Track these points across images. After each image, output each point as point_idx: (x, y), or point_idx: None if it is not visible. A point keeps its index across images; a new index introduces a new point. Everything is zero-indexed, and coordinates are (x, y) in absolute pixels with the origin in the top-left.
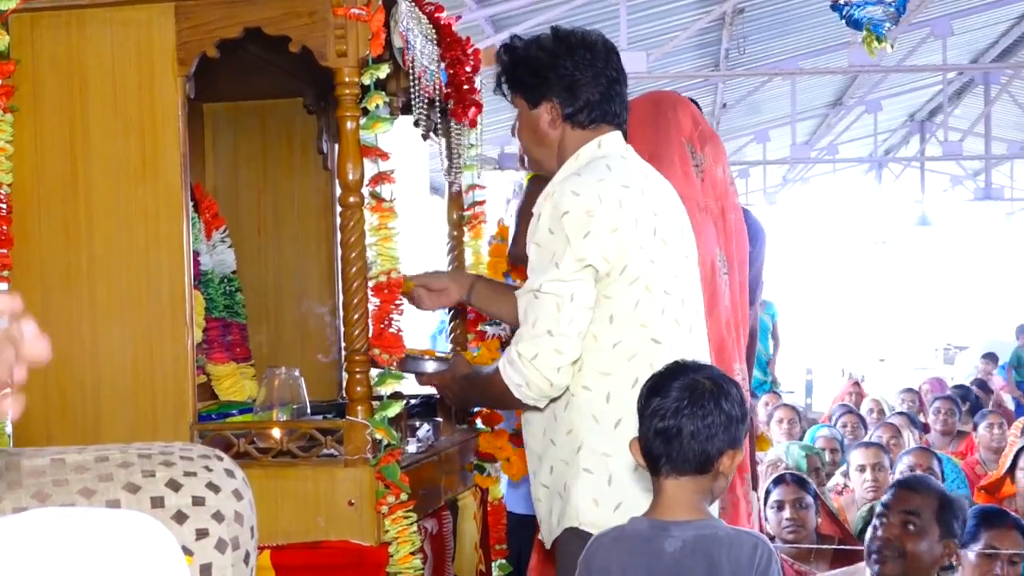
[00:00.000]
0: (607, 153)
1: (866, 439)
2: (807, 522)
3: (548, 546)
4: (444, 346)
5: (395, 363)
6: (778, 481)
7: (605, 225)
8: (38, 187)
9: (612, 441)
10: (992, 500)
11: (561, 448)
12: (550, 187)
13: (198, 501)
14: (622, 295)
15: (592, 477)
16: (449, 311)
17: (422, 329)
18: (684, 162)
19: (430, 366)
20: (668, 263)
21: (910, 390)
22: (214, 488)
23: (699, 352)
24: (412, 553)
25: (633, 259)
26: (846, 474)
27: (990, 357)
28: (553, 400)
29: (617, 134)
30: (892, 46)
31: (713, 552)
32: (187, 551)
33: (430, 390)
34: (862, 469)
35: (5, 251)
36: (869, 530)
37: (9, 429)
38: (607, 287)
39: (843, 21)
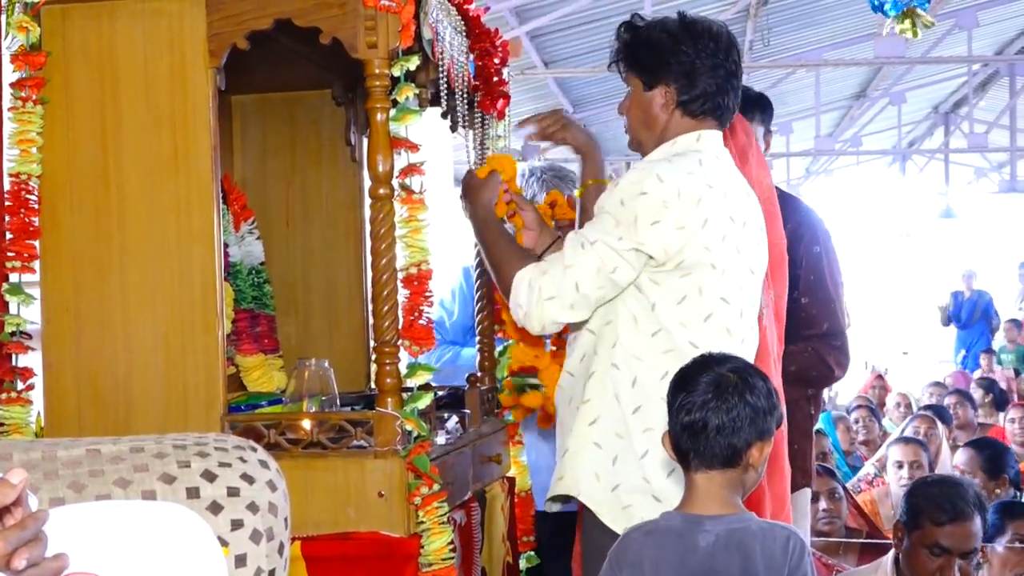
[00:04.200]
0: (703, 148)
1: (900, 430)
2: (841, 513)
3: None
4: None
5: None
6: None
7: (675, 220)
8: (69, 179)
9: (627, 425)
10: None
11: (580, 414)
12: (638, 164)
13: (233, 492)
14: (669, 285)
15: (600, 452)
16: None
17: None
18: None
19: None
20: (735, 272)
21: (938, 383)
22: (248, 479)
23: None
24: (445, 544)
25: (692, 258)
26: (881, 466)
27: (988, 351)
28: (585, 369)
29: (717, 134)
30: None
31: (747, 545)
32: (222, 542)
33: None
34: (899, 466)
35: (33, 242)
36: None
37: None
38: (657, 273)
39: (880, 12)
